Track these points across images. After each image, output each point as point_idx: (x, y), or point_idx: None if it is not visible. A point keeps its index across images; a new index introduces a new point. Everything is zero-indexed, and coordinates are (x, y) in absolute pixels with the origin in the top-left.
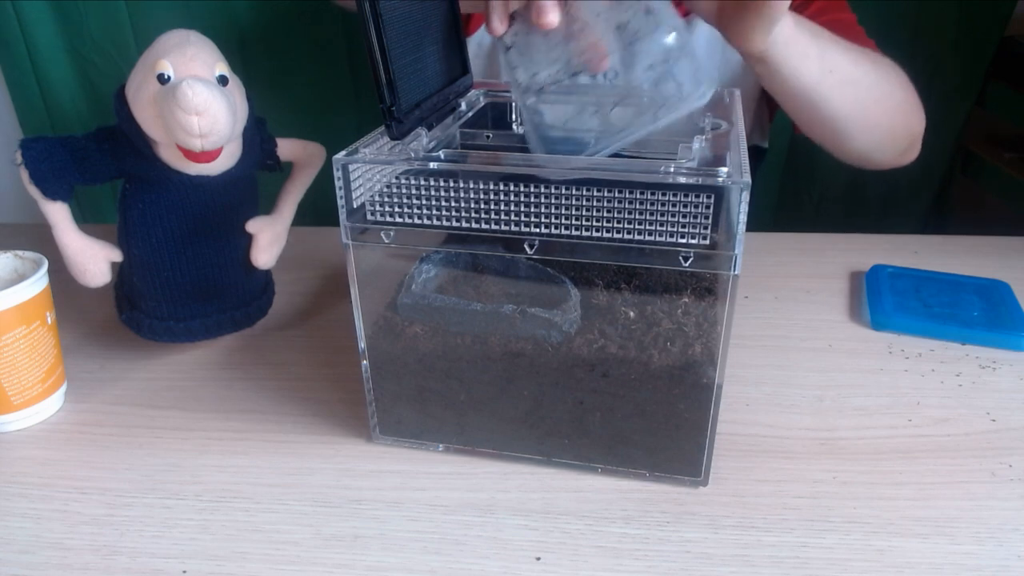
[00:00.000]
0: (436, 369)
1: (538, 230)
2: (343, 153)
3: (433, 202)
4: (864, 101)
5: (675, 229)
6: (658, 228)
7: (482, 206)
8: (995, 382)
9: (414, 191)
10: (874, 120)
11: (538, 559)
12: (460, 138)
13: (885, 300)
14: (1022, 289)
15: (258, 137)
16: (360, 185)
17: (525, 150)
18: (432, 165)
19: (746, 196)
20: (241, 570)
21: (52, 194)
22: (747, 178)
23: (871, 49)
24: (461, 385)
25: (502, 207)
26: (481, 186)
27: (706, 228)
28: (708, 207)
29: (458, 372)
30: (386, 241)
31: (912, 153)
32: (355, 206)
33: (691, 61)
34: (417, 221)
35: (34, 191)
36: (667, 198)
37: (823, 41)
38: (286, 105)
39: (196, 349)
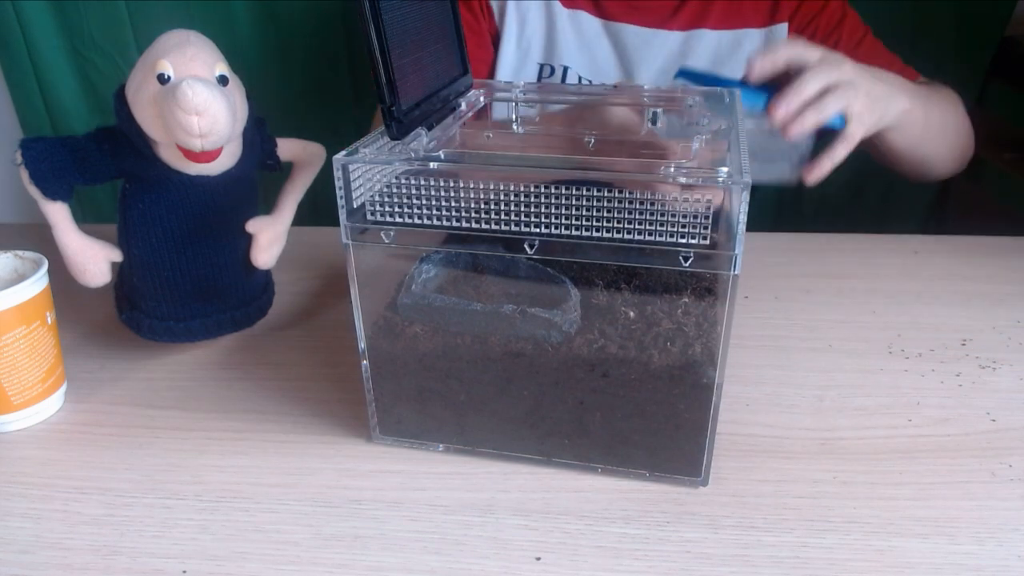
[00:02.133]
0: (436, 369)
1: (538, 230)
2: (343, 153)
3: (433, 202)
4: (947, 141)
5: (675, 229)
6: (658, 228)
7: (482, 206)
8: (995, 382)
9: (414, 191)
10: (952, 152)
11: (538, 559)
12: (460, 138)
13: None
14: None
15: (258, 137)
16: (360, 185)
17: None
18: (432, 165)
19: (746, 196)
20: (241, 570)
21: (52, 194)
22: (747, 178)
23: (934, 84)
24: (461, 385)
25: (502, 207)
26: (481, 186)
27: (706, 228)
28: (708, 207)
29: (458, 372)
30: (386, 241)
31: (964, 165)
32: (355, 206)
33: None
34: (417, 221)
35: (34, 191)
36: (667, 198)
37: (925, 102)
38: (286, 105)
39: (196, 349)
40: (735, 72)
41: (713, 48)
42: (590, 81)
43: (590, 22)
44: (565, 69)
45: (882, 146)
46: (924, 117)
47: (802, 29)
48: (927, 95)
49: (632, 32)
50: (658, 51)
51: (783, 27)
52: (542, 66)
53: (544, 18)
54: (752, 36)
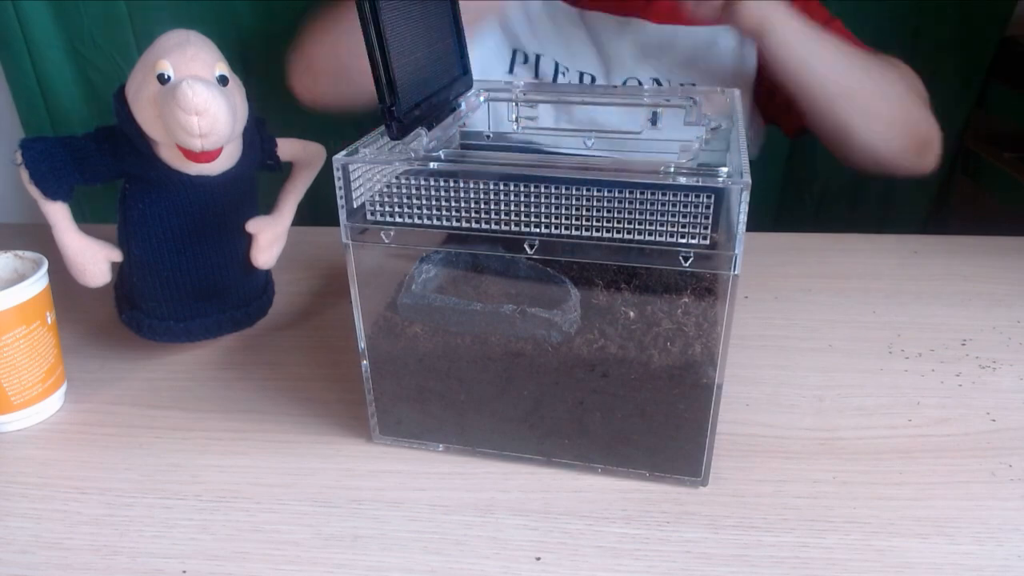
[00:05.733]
0: (436, 369)
1: (538, 230)
2: (343, 153)
3: (433, 202)
4: (861, 86)
5: (675, 229)
6: (658, 228)
7: (482, 206)
8: (995, 382)
9: (414, 191)
10: (873, 108)
11: (538, 559)
12: (460, 138)
13: None
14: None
15: (258, 137)
16: (360, 185)
17: (525, 150)
18: (432, 165)
19: (746, 196)
20: (241, 570)
21: (52, 194)
22: (747, 178)
23: (884, 56)
24: (461, 385)
25: (502, 207)
26: (481, 186)
27: (706, 228)
28: (708, 207)
29: (458, 372)
30: (386, 241)
31: (927, 157)
32: (355, 206)
33: None
34: (417, 221)
35: (34, 191)
36: (667, 198)
37: (822, 31)
38: (286, 105)
39: (196, 349)
40: (711, 70)
41: (691, 44)
42: (567, 69)
43: (566, 10)
44: (538, 57)
45: (776, 63)
46: (833, 64)
47: None
48: (855, 54)
49: (604, 19)
50: (631, 40)
51: None
52: (515, 52)
53: (520, 6)
54: (725, 34)
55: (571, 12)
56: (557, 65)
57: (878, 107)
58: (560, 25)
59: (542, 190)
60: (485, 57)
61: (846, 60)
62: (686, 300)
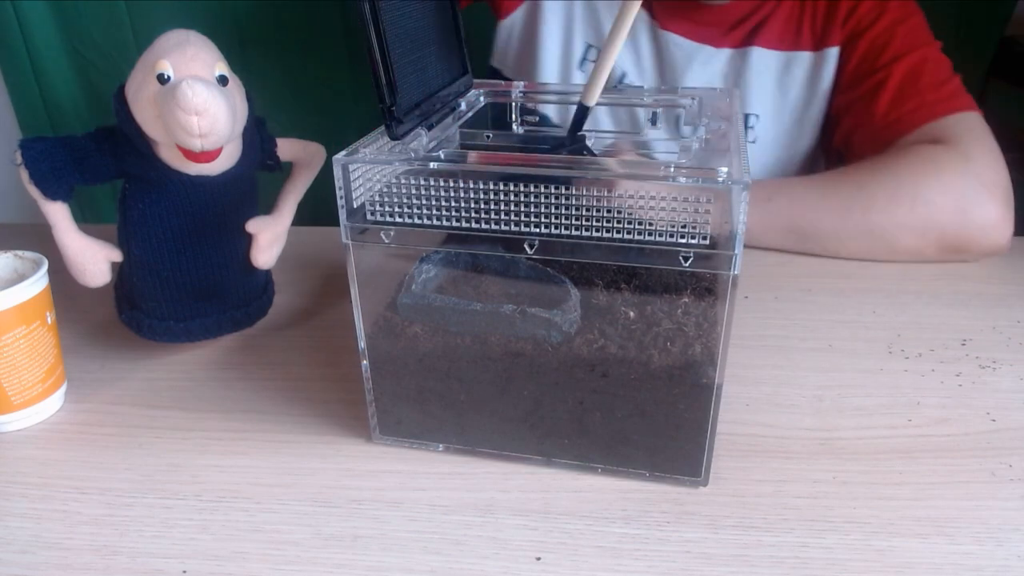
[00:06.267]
0: (436, 369)
1: (538, 230)
2: (343, 153)
3: (433, 202)
4: (845, 240)
5: (675, 229)
6: (658, 228)
7: (482, 206)
8: (995, 382)
9: (414, 191)
10: (865, 249)
11: (538, 559)
12: (460, 138)
13: None
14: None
15: (258, 137)
16: (360, 185)
17: (525, 150)
18: (432, 165)
19: (746, 196)
20: (241, 570)
21: (52, 194)
22: (747, 178)
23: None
24: (461, 385)
25: (502, 207)
26: (481, 186)
27: (706, 228)
28: (708, 207)
29: (458, 372)
30: (386, 241)
31: (982, 244)
32: (355, 206)
33: None
34: (417, 221)
35: (34, 191)
36: (667, 198)
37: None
38: (286, 105)
39: (196, 349)
40: (784, 92)
41: (763, 67)
42: (631, 80)
43: (645, 22)
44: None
45: None
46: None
47: (847, 47)
48: (825, 206)
49: (677, 43)
50: (701, 68)
51: (834, 51)
52: (589, 47)
53: (608, 4)
54: (803, 59)
55: (648, 26)
56: (624, 75)
57: (871, 247)
58: (635, 36)
59: (542, 190)
60: (565, 36)
61: (814, 226)
62: (686, 300)
